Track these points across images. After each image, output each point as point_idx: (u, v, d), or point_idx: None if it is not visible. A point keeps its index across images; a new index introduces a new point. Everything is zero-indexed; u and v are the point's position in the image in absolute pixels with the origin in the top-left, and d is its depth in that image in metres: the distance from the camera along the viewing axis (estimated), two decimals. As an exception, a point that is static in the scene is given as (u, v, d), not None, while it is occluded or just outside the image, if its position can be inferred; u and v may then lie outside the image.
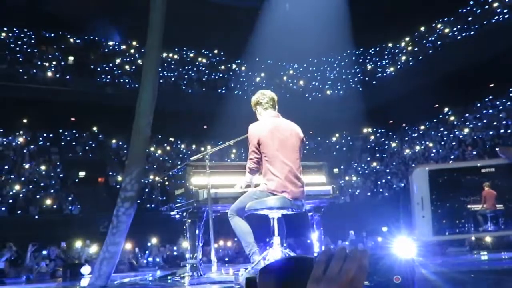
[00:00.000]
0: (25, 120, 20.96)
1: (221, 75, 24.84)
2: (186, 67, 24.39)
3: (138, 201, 5.23)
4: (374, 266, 0.91)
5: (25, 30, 21.87)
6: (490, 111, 19.23)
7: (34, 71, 20.40)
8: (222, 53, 25.61)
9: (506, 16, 18.11)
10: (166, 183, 6.27)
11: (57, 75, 20.79)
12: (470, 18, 19.99)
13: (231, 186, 4.74)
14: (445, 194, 0.89)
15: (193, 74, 24.29)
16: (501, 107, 18.85)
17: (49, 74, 20.68)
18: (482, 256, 8.68)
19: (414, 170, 0.84)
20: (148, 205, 17.23)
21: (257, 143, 4.27)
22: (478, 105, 20.17)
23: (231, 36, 20.91)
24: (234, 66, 25.36)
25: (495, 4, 18.97)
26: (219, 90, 23.61)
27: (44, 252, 11.55)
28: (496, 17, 18.61)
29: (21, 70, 20.00)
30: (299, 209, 4.37)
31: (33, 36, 21.99)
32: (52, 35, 22.45)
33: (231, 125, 11.76)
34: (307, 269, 0.95)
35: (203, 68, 24.86)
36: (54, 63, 21.37)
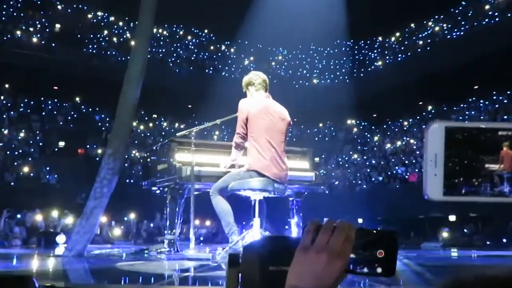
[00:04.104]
0: (7, 85, 20.54)
1: (209, 55, 24.65)
2: (175, 45, 24.11)
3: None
4: (360, 239, 0.93)
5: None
6: (473, 112, 19.46)
7: (19, 35, 19.94)
8: (211, 34, 25.36)
9: (497, 19, 18.24)
10: (148, 159, 6.24)
11: (43, 42, 20.37)
12: (460, 18, 20.09)
13: (215, 165, 4.74)
14: (461, 152, 0.88)
15: (181, 52, 24.04)
16: (483, 109, 19.10)
17: (35, 40, 20.24)
18: (452, 252, 8.90)
19: (430, 126, 0.82)
20: (127, 180, 17.12)
21: (246, 118, 4.27)
22: (462, 105, 20.40)
23: (223, 17, 20.70)
24: (223, 47, 25.17)
25: (487, 7, 19.09)
26: (207, 70, 23.46)
27: (18, 216, 11.41)
28: (487, 19, 18.73)
29: (5, 34, 19.52)
30: (281, 192, 4.40)
31: (19, 0, 21.43)
32: (39, 0, 21.90)
33: (216, 106, 11.70)
34: (290, 248, 0.98)
35: (192, 47, 24.62)
36: (40, 29, 20.88)
